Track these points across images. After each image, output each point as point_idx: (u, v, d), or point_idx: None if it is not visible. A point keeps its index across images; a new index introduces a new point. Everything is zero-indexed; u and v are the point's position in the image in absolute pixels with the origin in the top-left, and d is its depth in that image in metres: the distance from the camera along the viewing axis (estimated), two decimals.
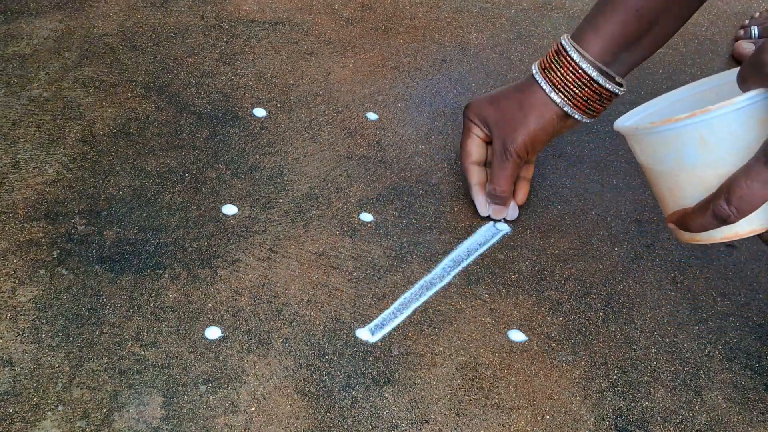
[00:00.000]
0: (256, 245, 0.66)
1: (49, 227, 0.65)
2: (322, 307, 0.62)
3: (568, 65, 0.59)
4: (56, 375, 0.55)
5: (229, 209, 0.68)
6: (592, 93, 0.60)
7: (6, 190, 0.67)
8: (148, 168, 0.71)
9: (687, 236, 0.47)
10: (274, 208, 0.69)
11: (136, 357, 0.56)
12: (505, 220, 0.70)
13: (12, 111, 0.75)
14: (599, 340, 0.62)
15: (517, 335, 0.61)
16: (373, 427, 0.54)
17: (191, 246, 0.65)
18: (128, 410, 0.53)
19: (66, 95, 0.77)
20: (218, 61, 0.84)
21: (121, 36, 0.86)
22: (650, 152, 0.45)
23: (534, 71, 0.62)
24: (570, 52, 0.59)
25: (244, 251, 0.65)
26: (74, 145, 0.72)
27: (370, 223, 0.69)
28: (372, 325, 0.61)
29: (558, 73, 0.60)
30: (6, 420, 0.52)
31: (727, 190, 0.41)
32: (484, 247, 0.68)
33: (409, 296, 0.63)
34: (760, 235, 0.47)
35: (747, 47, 0.96)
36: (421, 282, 0.65)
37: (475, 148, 0.67)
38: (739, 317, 0.65)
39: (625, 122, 0.51)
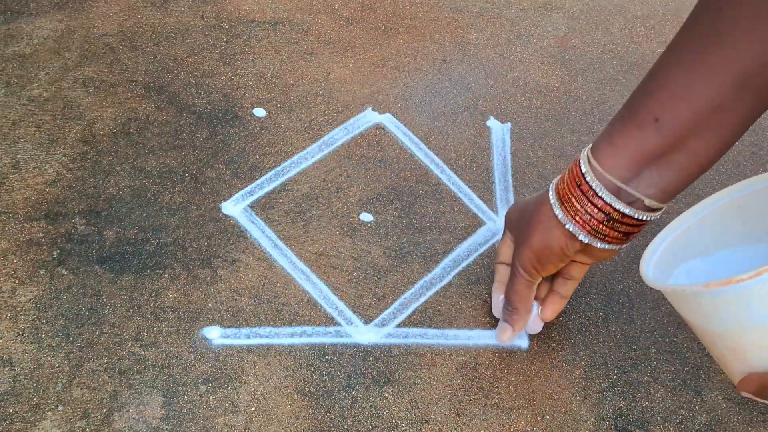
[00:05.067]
0: (256, 245, 0.66)
1: (49, 227, 0.65)
2: (322, 307, 0.62)
3: (574, 176, 0.50)
4: (56, 375, 0.55)
5: (229, 207, 0.68)
6: (596, 210, 0.49)
7: (6, 190, 0.67)
8: (148, 168, 0.71)
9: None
10: (274, 208, 0.69)
11: (136, 357, 0.56)
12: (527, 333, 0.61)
13: (12, 111, 0.75)
14: (599, 340, 0.62)
15: None
16: (373, 427, 0.54)
17: (191, 246, 0.65)
18: (128, 410, 0.53)
19: (66, 95, 0.77)
20: (218, 61, 0.84)
21: (121, 36, 0.86)
22: (702, 312, 0.39)
23: (551, 183, 0.54)
24: (580, 162, 0.49)
25: (244, 251, 0.65)
26: (74, 145, 0.72)
27: (370, 223, 0.69)
28: (372, 325, 0.61)
29: (564, 185, 0.51)
30: (6, 420, 0.52)
31: None
32: (484, 247, 0.68)
33: (409, 296, 0.64)
34: None
35: None
36: (421, 282, 0.65)
37: (505, 249, 0.61)
38: None
39: (654, 267, 0.45)
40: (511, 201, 0.73)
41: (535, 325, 0.60)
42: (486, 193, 0.73)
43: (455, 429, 0.55)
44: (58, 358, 0.56)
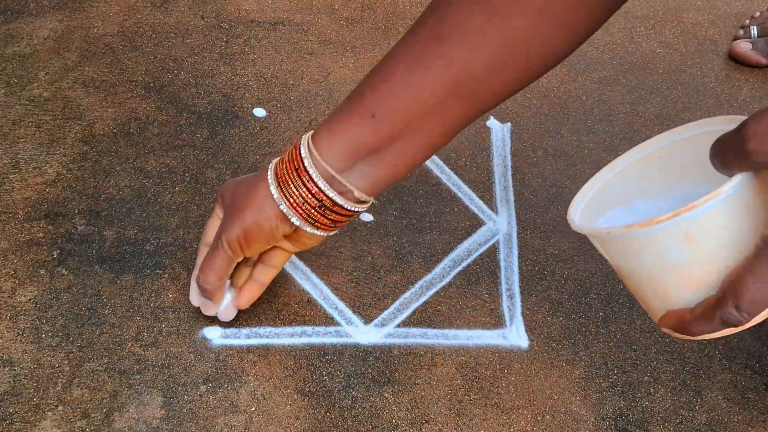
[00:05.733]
0: None
1: (49, 227, 0.65)
2: (322, 307, 0.62)
3: (293, 159, 0.50)
4: (56, 375, 0.55)
5: None
6: (310, 196, 0.50)
7: (6, 190, 0.67)
8: (148, 168, 0.71)
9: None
10: None
11: (136, 357, 0.56)
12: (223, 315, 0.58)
13: (12, 111, 0.75)
14: (599, 340, 0.62)
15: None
16: (373, 427, 0.54)
17: (191, 246, 0.65)
18: (128, 410, 0.53)
19: (66, 95, 0.77)
20: (218, 61, 0.84)
21: (121, 36, 0.86)
22: (625, 254, 0.41)
23: (272, 162, 0.53)
24: (300, 146, 0.50)
25: None
26: (74, 145, 0.72)
27: (370, 223, 0.69)
28: (372, 325, 0.61)
29: (283, 167, 0.51)
30: (6, 420, 0.52)
31: (733, 294, 0.37)
32: (484, 247, 0.68)
33: (409, 296, 0.64)
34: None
35: (744, 47, 0.96)
36: (421, 282, 0.65)
37: (212, 229, 0.57)
38: None
39: (579, 218, 0.45)
40: (512, 201, 0.73)
41: (229, 312, 0.58)
42: (486, 193, 0.73)
43: (455, 429, 0.55)
44: (58, 358, 0.56)
